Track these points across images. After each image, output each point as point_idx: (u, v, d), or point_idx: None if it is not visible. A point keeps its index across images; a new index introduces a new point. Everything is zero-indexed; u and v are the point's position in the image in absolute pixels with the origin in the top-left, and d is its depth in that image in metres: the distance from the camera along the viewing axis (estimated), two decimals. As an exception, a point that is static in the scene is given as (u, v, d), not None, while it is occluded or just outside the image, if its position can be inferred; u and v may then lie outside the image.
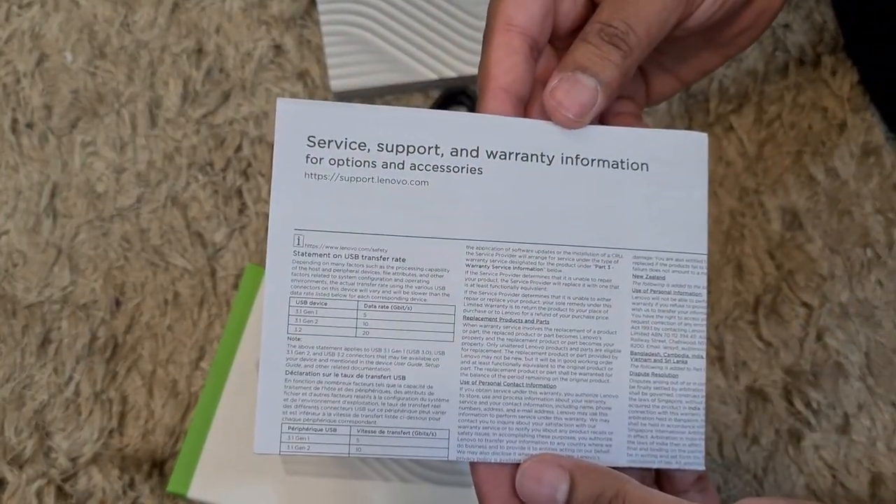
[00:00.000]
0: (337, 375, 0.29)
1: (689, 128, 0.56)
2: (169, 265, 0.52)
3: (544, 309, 0.30)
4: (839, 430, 0.50)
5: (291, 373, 0.29)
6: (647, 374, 0.31)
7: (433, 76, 0.55)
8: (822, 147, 0.56)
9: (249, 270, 0.49)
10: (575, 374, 0.30)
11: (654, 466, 0.31)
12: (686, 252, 0.31)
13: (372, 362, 0.29)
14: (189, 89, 0.56)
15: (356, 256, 0.29)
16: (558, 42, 0.34)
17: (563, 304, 0.30)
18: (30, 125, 0.55)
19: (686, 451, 0.31)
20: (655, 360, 0.31)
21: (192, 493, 0.45)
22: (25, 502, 0.47)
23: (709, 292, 0.52)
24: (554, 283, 0.30)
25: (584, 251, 0.30)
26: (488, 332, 0.30)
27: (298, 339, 0.29)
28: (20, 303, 0.51)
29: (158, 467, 0.48)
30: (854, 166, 0.55)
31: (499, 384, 0.30)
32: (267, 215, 0.53)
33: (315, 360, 0.29)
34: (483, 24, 0.56)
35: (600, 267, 0.30)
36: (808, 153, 0.56)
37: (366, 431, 0.29)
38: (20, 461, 0.48)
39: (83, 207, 0.53)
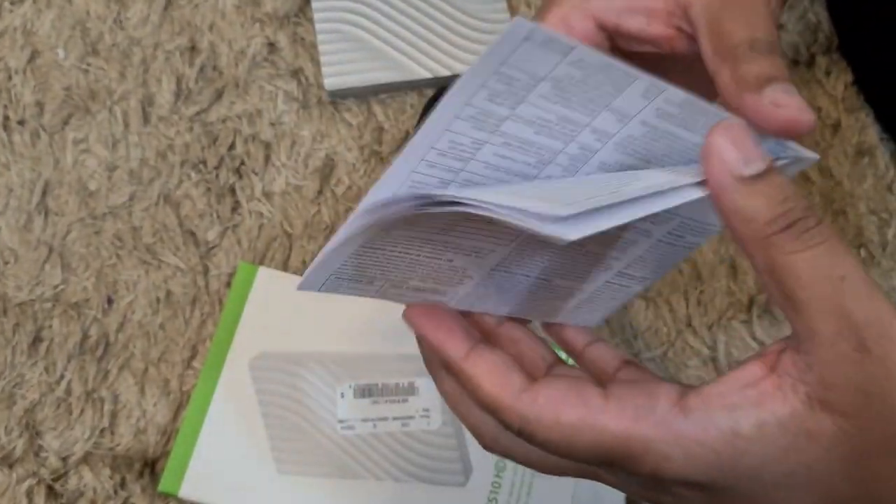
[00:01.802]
0: (396, 259, 0.31)
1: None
2: (161, 263, 0.51)
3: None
4: (832, 431, 0.50)
5: (354, 255, 0.31)
6: (614, 284, 0.34)
7: (427, 74, 0.55)
8: (817, 147, 0.56)
9: (242, 269, 0.49)
10: (570, 276, 0.34)
11: (569, 324, 0.36)
12: (715, 225, 0.33)
13: (432, 252, 0.31)
14: (182, 87, 0.55)
15: None
16: None
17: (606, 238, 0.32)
18: (21, 122, 0.54)
19: (596, 319, 0.37)
20: (628, 279, 0.34)
21: (184, 492, 0.45)
22: (15, 502, 0.46)
23: (702, 292, 0.52)
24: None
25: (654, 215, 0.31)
26: (539, 249, 0.32)
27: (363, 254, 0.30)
28: (11, 301, 0.50)
29: (150, 467, 0.47)
30: (848, 166, 0.55)
31: (515, 275, 0.33)
32: (259, 214, 0.52)
33: (376, 260, 0.31)
34: (478, 22, 0.57)
35: (654, 223, 0.32)
36: (803, 153, 0.56)
37: (395, 286, 0.32)
38: (10, 460, 0.47)
39: (75, 205, 0.52)
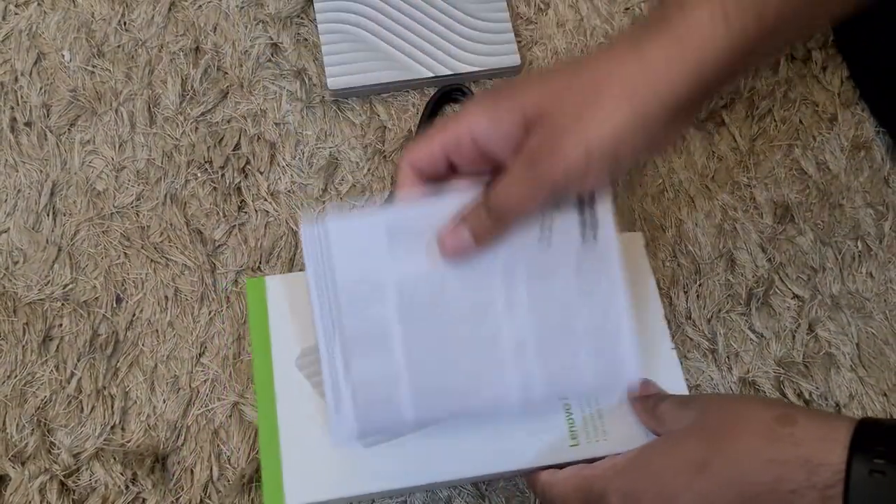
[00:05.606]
0: None
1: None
2: (169, 262, 0.52)
3: None
4: (831, 420, 0.51)
5: None
6: None
7: (429, 74, 0.56)
8: (813, 141, 0.57)
9: (250, 284, 0.47)
10: None
11: None
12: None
13: None
14: (187, 87, 0.56)
15: None
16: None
17: None
18: (28, 124, 0.55)
19: None
20: None
21: (289, 502, 0.44)
22: (28, 498, 0.47)
23: (701, 285, 0.53)
24: None
25: None
26: None
27: None
28: (21, 300, 0.51)
29: (161, 462, 0.48)
30: (844, 160, 0.56)
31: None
32: (265, 212, 0.53)
33: None
34: (479, 21, 0.57)
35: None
36: (799, 147, 0.56)
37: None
38: (22, 457, 0.48)
39: (83, 205, 0.53)
